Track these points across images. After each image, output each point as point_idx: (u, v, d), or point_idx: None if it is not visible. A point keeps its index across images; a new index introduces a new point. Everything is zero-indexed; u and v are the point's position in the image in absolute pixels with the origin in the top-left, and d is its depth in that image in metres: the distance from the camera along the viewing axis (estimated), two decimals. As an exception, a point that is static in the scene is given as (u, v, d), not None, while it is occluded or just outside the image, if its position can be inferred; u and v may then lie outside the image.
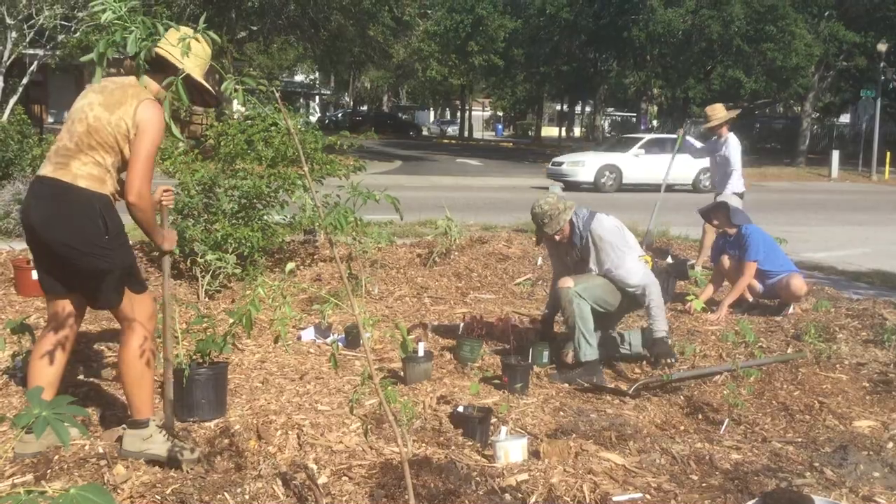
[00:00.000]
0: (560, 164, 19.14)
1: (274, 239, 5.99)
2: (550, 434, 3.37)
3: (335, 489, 2.73)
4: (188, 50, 1.98)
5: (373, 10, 25.81)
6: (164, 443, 2.89)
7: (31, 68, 18.08)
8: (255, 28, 26.32)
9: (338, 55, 29.67)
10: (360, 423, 3.29)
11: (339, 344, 3.52)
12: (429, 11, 33.36)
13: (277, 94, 2.21)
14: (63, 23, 17.18)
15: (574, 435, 3.34)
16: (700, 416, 3.70)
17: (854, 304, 5.99)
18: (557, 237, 4.33)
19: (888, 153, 27.73)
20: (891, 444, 3.36)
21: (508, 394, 3.87)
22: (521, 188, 18.30)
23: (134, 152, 2.78)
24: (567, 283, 4.21)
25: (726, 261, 5.85)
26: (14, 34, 16.96)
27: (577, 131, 52.21)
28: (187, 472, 2.81)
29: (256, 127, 6.11)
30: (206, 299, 5.44)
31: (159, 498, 2.61)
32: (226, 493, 2.64)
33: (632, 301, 4.30)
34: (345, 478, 2.82)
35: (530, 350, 4.31)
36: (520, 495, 2.74)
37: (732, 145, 7.05)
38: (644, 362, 4.49)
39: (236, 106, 6.00)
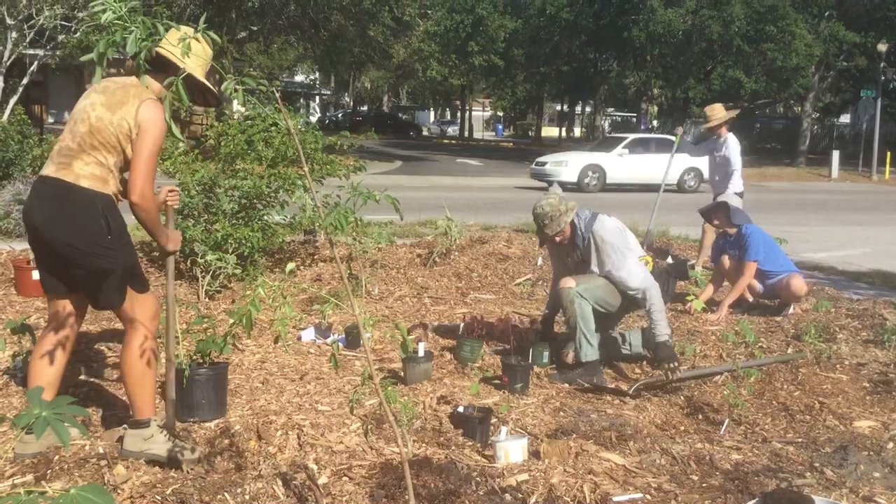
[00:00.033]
0: (543, 164, 18.89)
1: (274, 239, 5.99)
2: (551, 434, 3.37)
3: (335, 489, 2.73)
4: (188, 50, 1.98)
5: (373, 10, 25.80)
6: (165, 443, 2.89)
7: (32, 68, 18.09)
8: (255, 28, 26.33)
9: (338, 55, 29.66)
10: (361, 423, 3.29)
11: (340, 344, 3.52)
12: (429, 12, 33.35)
13: (277, 95, 2.21)
14: (63, 23, 17.19)
15: (574, 435, 3.34)
16: (700, 417, 3.70)
17: (854, 304, 5.99)
18: (558, 238, 4.33)
19: (888, 153, 27.74)
20: (891, 445, 3.36)
21: (509, 394, 3.87)
22: (521, 188, 18.32)
23: (136, 152, 2.79)
24: (569, 283, 4.21)
25: (726, 261, 5.85)
26: (14, 34, 16.98)
27: (577, 131, 52.19)
28: (187, 472, 2.81)
29: (257, 127, 6.11)
30: (207, 299, 5.44)
31: (159, 498, 2.61)
32: (226, 494, 2.64)
33: (632, 302, 4.30)
34: (345, 478, 2.82)
35: (530, 350, 4.31)
36: (520, 495, 2.74)
37: (732, 145, 7.06)
38: (644, 362, 4.49)
39: (236, 106, 6.00)
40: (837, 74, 32.46)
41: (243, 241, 5.50)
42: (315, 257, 6.79)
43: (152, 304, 2.97)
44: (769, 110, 45.02)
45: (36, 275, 5.23)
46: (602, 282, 4.25)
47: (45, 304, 4.96)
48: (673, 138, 8.09)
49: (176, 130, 2.16)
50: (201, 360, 3.40)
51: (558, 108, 54.46)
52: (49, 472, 2.76)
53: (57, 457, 2.85)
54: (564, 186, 17.83)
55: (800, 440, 3.42)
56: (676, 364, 4.00)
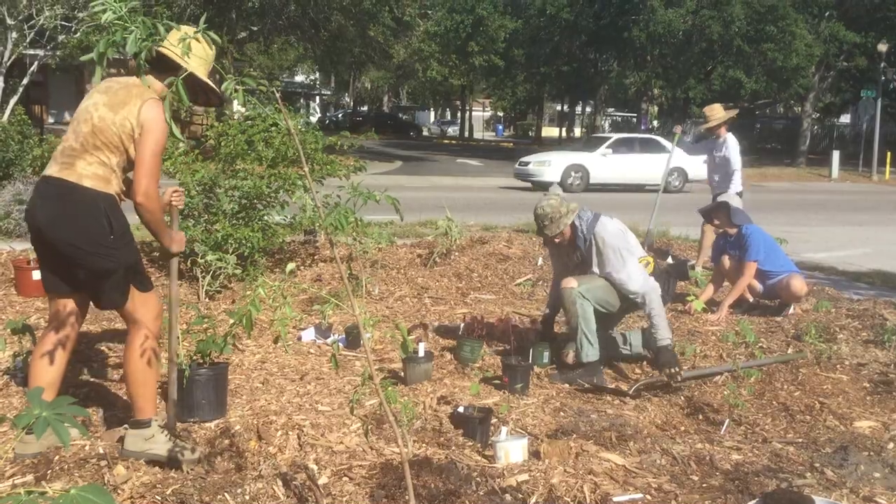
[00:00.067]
0: (526, 164, 18.60)
1: (274, 239, 5.99)
2: (551, 434, 3.37)
3: (335, 489, 2.73)
4: (189, 50, 1.98)
5: (373, 10, 25.80)
6: (166, 443, 2.89)
7: (32, 69, 18.10)
8: (255, 28, 26.34)
9: (338, 55, 29.66)
10: (361, 423, 3.29)
11: (340, 344, 3.52)
12: (429, 12, 33.35)
13: (278, 95, 2.21)
14: (63, 23, 17.20)
15: (574, 435, 3.34)
16: (700, 417, 3.70)
17: (854, 304, 5.99)
18: (557, 240, 4.33)
19: (888, 153, 27.75)
20: (891, 445, 3.35)
21: (509, 394, 3.87)
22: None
23: (139, 152, 2.79)
24: (570, 283, 4.21)
25: (727, 261, 5.85)
26: (14, 34, 16.98)
27: (577, 132, 52.21)
28: (187, 472, 2.81)
29: (257, 127, 6.11)
30: (207, 300, 5.45)
31: (159, 498, 2.61)
32: (226, 494, 2.64)
33: (632, 303, 4.30)
34: (345, 478, 2.82)
35: (531, 350, 4.31)
36: (520, 496, 2.74)
37: (732, 145, 7.06)
38: (644, 362, 4.49)
39: (236, 106, 5.99)
40: (837, 74, 32.46)
41: (243, 242, 5.50)
42: (315, 257, 6.79)
43: (155, 303, 2.97)
44: (769, 110, 45.05)
45: (36, 275, 5.23)
46: (603, 282, 4.25)
47: (46, 304, 4.96)
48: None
49: (176, 130, 2.16)
50: (201, 361, 3.40)
51: (558, 108, 54.43)
52: (49, 472, 2.76)
53: (57, 457, 2.85)
54: (547, 187, 17.74)
55: (800, 440, 3.42)
56: (678, 369, 4.00)
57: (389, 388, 2.85)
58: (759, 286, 5.80)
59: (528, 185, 18.18)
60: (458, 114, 57.95)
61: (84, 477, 2.74)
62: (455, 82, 44.33)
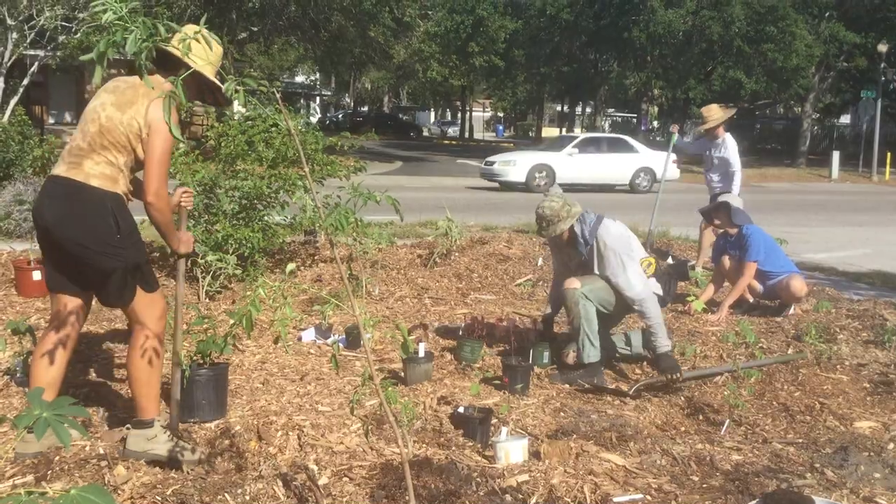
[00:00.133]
0: (492, 163, 18.22)
1: (274, 240, 5.99)
2: (551, 435, 3.37)
3: (336, 490, 2.73)
4: (189, 50, 1.98)
5: (373, 10, 25.81)
6: (167, 443, 2.89)
7: (32, 69, 18.11)
8: (255, 29, 26.34)
9: (338, 56, 29.67)
10: (361, 423, 3.29)
11: (340, 345, 3.53)
12: (429, 12, 33.36)
13: (278, 95, 2.21)
14: (64, 24, 17.21)
15: (575, 436, 3.34)
16: (701, 417, 3.70)
17: (855, 304, 5.99)
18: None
19: (888, 154, 27.74)
20: (891, 445, 3.35)
21: (509, 394, 3.87)
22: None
23: (148, 153, 2.81)
24: (574, 283, 4.21)
25: (727, 261, 5.85)
26: (15, 35, 16.99)
27: (577, 132, 52.25)
28: (188, 472, 2.81)
29: (257, 128, 6.11)
30: (207, 300, 5.45)
31: (160, 499, 2.61)
32: (226, 494, 2.64)
33: (631, 305, 4.30)
34: (345, 478, 2.82)
35: (531, 351, 4.31)
36: (520, 496, 2.74)
37: (731, 146, 7.06)
38: (645, 363, 4.49)
39: (237, 107, 6.00)
40: (838, 75, 32.47)
41: (244, 242, 5.50)
42: (315, 258, 6.79)
43: (160, 304, 2.97)
44: (769, 111, 45.07)
45: (36, 275, 5.23)
46: (604, 283, 4.25)
47: (46, 304, 4.97)
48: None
49: (176, 131, 2.16)
50: (202, 361, 3.40)
51: (559, 108, 54.45)
52: (49, 472, 2.76)
53: (57, 457, 2.86)
54: (515, 186, 17.46)
55: (800, 441, 3.42)
56: (679, 375, 4.00)
57: (390, 389, 2.85)
58: (759, 286, 5.80)
59: (496, 184, 17.91)
60: (459, 114, 57.96)
61: (84, 477, 2.74)
62: (455, 83, 44.33)
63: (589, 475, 2.91)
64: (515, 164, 17.88)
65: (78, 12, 17.08)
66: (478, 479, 2.81)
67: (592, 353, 4.15)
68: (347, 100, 58.66)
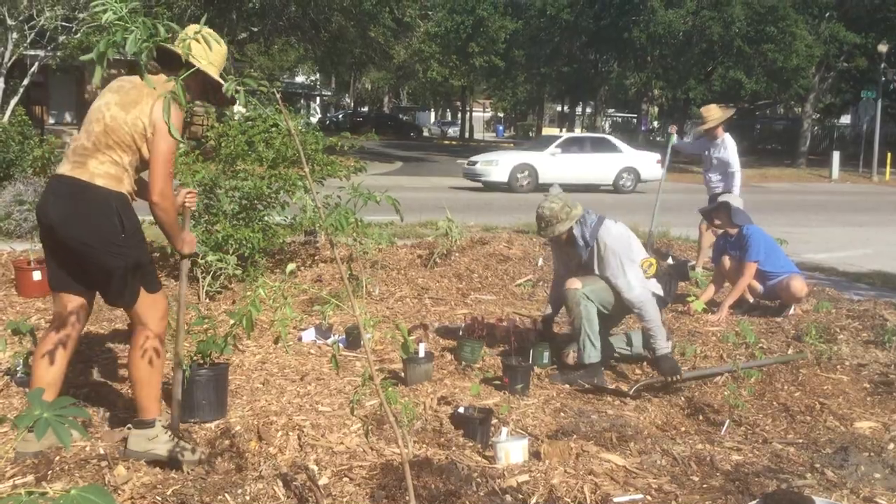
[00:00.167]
0: (474, 163, 18.00)
1: (275, 240, 5.99)
2: (551, 435, 3.37)
3: (336, 490, 2.73)
4: (189, 50, 1.98)
5: (373, 11, 25.81)
6: (168, 443, 2.89)
7: (32, 69, 18.10)
8: (255, 29, 26.35)
9: (338, 56, 29.67)
10: (361, 423, 3.29)
11: (340, 345, 3.53)
12: (429, 13, 33.37)
13: (278, 96, 2.21)
14: (64, 24, 17.20)
15: (575, 436, 3.34)
16: (701, 417, 3.70)
17: (855, 305, 5.99)
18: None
19: (889, 154, 27.76)
20: (892, 446, 3.35)
21: (509, 395, 3.87)
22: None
23: (153, 152, 2.81)
24: (575, 284, 4.21)
25: (727, 261, 5.85)
26: (15, 35, 16.98)
27: (577, 132, 52.25)
28: (188, 472, 2.81)
29: (257, 128, 6.11)
30: (207, 300, 5.45)
31: (160, 499, 2.61)
32: (226, 494, 2.64)
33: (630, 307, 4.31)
34: (346, 479, 2.82)
35: (531, 351, 4.31)
36: (520, 496, 2.74)
37: (730, 146, 7.06)
38: (645, 363, 4.49)
39: (237, 107, 6.00)
40: (838, 75, 32.48)
41: (244, 242, 5.50)
42: (315, 258, 6.79)
43: (162, 304, 2.98)
44: (769, 111, 45.07)
45: (37, 275, 5.23)
46: (605, 284, 4.25)
47: (46, 304, 4.97)
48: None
49: (175, 132, 2.16)
50: (202, 361, 3.40)
51: (559, 108, 54.45)
52: (50, 472, 2.76)
53: (58, 457, 2.86)
54: (498, 186, 17.28)
55: (800, 441, 3.42)
56: (679, 376, 4.00)
57: (390, 389, 2.85)
58: (759, 287, 5.80)
59: (479, 184, 17.78)
60: (459, 114, 57.94)
61: (85, 477, 2.74)
62: (455, 83, 44.30)
63: (589, 475, 2.91)
64: (498, 164, 17.68)
65: (78, 12, 17.07)
66: (478, 480, 2.81)
67: (593, 354, 4.16)
68: (347, 100, 58.67)
